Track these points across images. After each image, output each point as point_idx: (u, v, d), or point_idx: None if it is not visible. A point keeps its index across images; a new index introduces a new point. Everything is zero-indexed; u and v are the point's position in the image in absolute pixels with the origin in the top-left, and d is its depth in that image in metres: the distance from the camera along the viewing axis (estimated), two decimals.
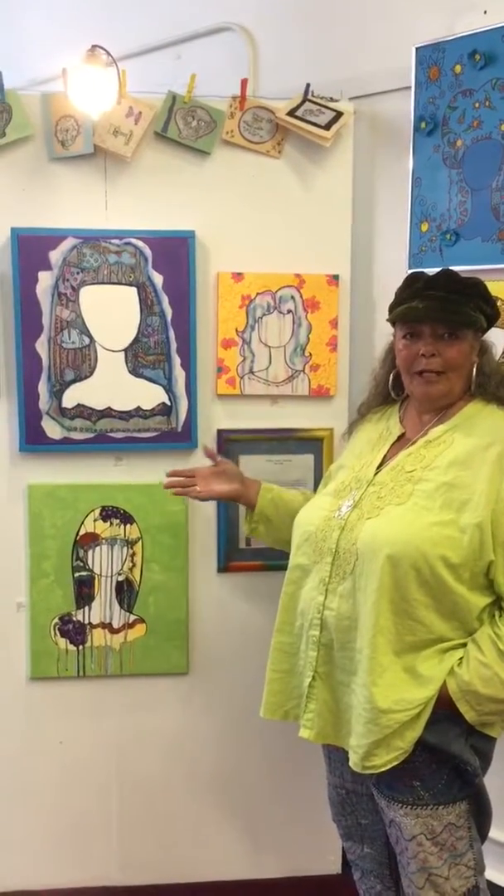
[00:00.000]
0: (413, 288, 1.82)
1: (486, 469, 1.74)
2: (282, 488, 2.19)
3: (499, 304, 2.15)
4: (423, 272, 1.85)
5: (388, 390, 1.98)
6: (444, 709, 1.73)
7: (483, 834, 1.87)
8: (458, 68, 2.24)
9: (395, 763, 1.73)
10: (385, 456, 1.91)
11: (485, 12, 2.18)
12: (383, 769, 1.74)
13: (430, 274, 1.83)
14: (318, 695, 1.85)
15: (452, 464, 1.78)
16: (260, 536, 2.19)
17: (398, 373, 1.93)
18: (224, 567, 2.48)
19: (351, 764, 1.79)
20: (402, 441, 1.92)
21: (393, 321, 1.88)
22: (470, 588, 1.74)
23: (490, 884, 1.92)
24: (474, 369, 1.85)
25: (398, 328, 1.87)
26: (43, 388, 2.34)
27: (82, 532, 2.41)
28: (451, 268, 1.85)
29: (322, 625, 1.83)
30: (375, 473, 1.88)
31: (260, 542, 2.25)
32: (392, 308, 1.88)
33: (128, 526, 2.42)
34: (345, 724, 1.82)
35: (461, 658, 1.75)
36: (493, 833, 1.94)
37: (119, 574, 2.44)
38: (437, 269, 1.84)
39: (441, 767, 1.77)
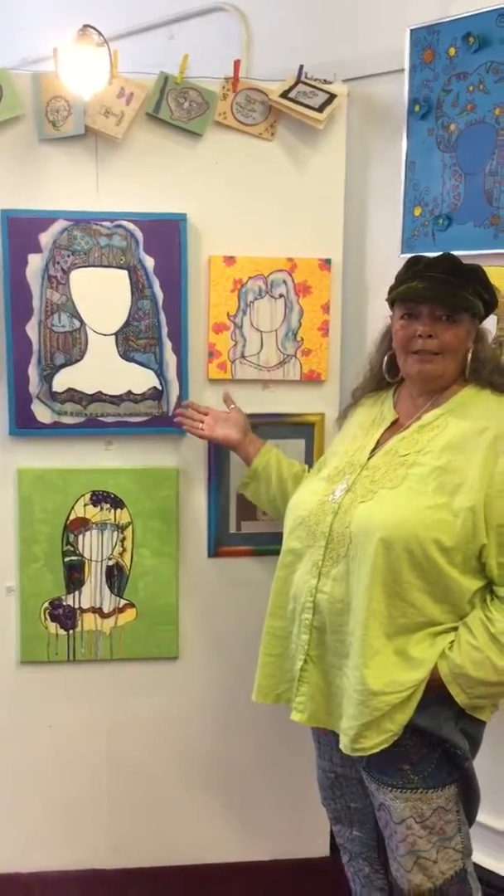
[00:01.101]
0: (414, 269, 1.83)
1: (480, 453, 1.75)
2: (283, 455, 2.25)
3: None
4: (423, 255, 1.85)
5: (383, 373, 1.98)
6: (435, 692, 1.74)
7: (471, 818, 1.89)
8: (452, 51, 2.22)
9: (384, 746, 1.74)
10: (378, 440, 1.92)
11: None
12: (373, 751, 1.75)
13: (432, 256, 1.83)
14: (309, 678, 1.86)
15: (446, 448, 1.78)
16: (250, 494, 2.27)
17: (393, 356, 1.93)
18: (214, 552, 2.48)
19: (341, 746, 1.80)
20: (395, 426, 1.93)
21: (392, 301, 1.88)
22: (462, 571, 1.75)
23: (476, 866, 1.93)
24: (469, 355, 1.85)
25: (397, 308, 1.88)
26: (33, 371, 2.33)
27: (72, 516, 2.41)
28: (452, 253, 1.85)
29: (315, 608, 1.83)
30: (369, 458, 1.88)
31: (253, 501, 2.31)
32: (392, 289, 1.88)
33: (118, 510, 2.42)
34: (336, 707, 1.83)
35: (452, 641, 1.76)
36: (481, 816, 1.95)
37: (109, 559, 2.44)
38: (438, 253, 1.84)
39: (431, 751, 1.78)
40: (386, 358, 1.96)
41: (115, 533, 2.43)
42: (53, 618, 2.43)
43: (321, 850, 2.62)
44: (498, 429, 1.77)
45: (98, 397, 2.36)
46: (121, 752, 2.54)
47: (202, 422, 2.27)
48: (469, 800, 1.85)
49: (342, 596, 1.79)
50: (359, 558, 1.76)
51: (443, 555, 1.73)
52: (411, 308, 1.83)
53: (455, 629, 1.78)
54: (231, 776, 2.59)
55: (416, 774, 1.78)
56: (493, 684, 1.75)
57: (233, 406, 2.31)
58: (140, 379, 2.37)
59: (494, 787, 2.08)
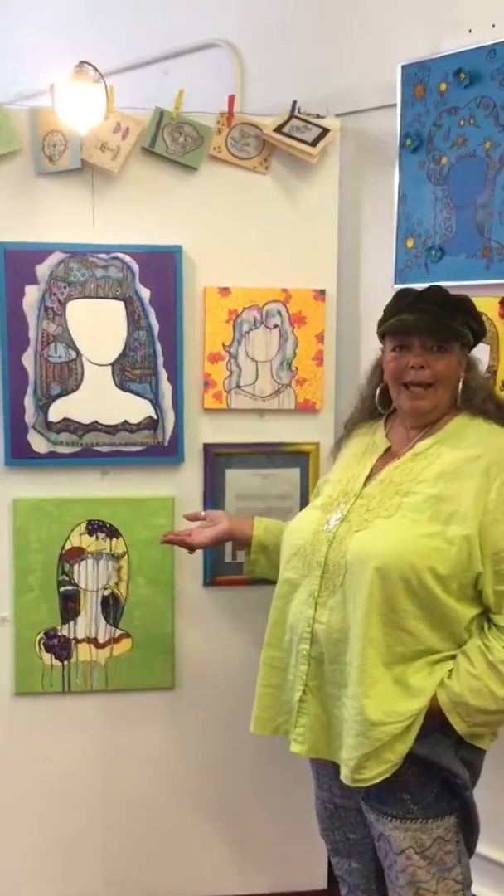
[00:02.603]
0: (403, 302, 1.85)
1: (474, 481, 1.76)
2: (273, 519, 2.18)
3: (483, 319, 2.17)
4: (412, 288, 1.87)
5: (375, 405, 2.00)
6: (434, 721, 1.74)
7: (470, 848, 1.87)
8: (443, 86, 2.26)
9: (385, 776, 1.74)
10: (372, 469, 1.92)
11: (469, 31, 2.21)
12: (374, 782, 1.74)
13: (420, 289, 1.85)
14: (308, 709, 1.85)
15: (440, 476, 1.79)
16: (261, 569, 2.15)
17: (385, 387, 1.94)
18: (210, 581, 2.48)
19: (342, 777, 1.79)
20: (388, 454, 1.93)
21: (383, 334, 1.90)
22: (458, 599, 1.75)
23: None
24: (460, 384, 1.86)
25: (388, 341, 1.89)
26: (29, 401, 2.34)
27: (68, 546, 2.40)
28: (440, 284, 1.87)
29: (312, 638, 1.83)
30: (363, 487, 1.89)
31: (262, 577, 2.16)
32: (381, 322, 1.89)
33: (114, 540, 2.42)
34: (336, 737, 1.82)
35: (451, 670, 1.76)
36: (480, 848, 1.94)
37: (105, 588, 2.43)
38: (426, 285, 1.86)
39: (431, 780, 1.77)
40: (378, 390, 1.98)
41: (111, 562, 2.43)
42: (48, 648, 2.42)
43: (320, 882, 2.60)
44: (491, 456, 1.78)
45: (94, 427, 2.37)
46: (117, 783, 2.52)
47: (190, 535, 2.17)
48: (469, 830, 1.84)
49: (339, 626, 1.79)
50: (355, 588, 1.76)
51: (438, 583, 1.73)
52: (402, 340, 1.85)
53: (453, 657, 1.77)
54: (228, 807, 2.57)
55: (415, 804, 1.77)
56: (493, 713, 1.74)
57: (203, 513, 2.24)
58: (136, 409, 2.38)
59: (494, 818, 2.06)
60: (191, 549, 2.19)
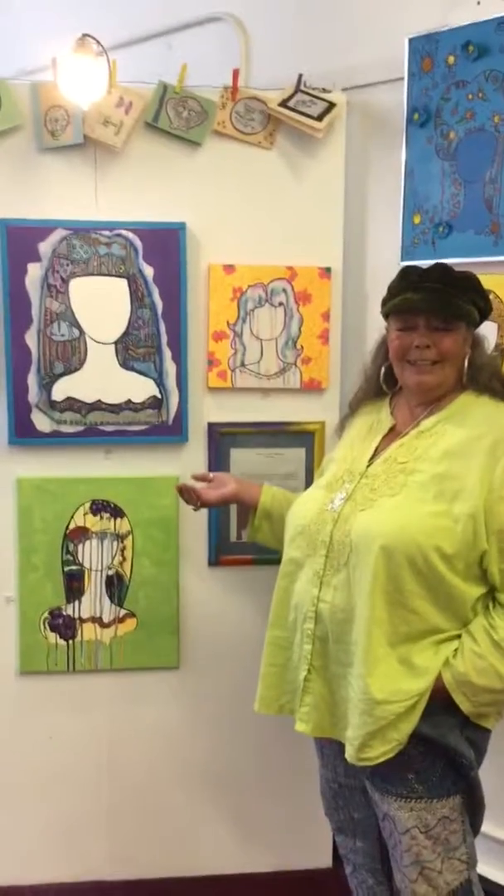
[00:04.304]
0: (408, 280, 1.82)
1: (479, 459, 1.74)
2: (283, 490, 2.19)
3: (491, 296, 2.15)
4: (416, 266, 1.85)
5: (380, 384, 1.98)
6: (439, 700, 1.73)
7: (475, 828, 1.87)
8: (451, 59, 2.22)
9: (390, 755, 1.73)
10: (377, 448, 1.91)
11: (478, 3, 2.17)
12: (378, 761, 1.74)
13: (425, 267, 1.83)
14: (313, 688, 1.85)
15: (445, 454, 1.78)
16: (263, 536, 2.17)
17: (390, 366, 1.93)
18: (215, 561, 2.47)
19: (346, 756, 1.79)
20: (393, 433, 1.92)
21: (387, 313, 1.88)
22: (464, 578, 1.75)
23: (481, 878, 1.92)
24: (466, 361, 1.84)
25: (392, 320, 1.87)
26: (32, 380, 2.32)
27: (72, 526, 2.40)
28: (444, 261, 1.85)
29: (317, 618, 1.82)
30: (368, 465, 1.88)
31: (265, 545, 2.20)
32: (385, 301, 1.87)
33: (118, 520, 2.41)
34: (342, 716, 1.82)
35: (456, 649, 1.75)
36: (485, 827, 1.94)
37: (109, 568, 2.43)
38: (431, 263, 1.84)
39: (436, 760, 1.77)
40: (383, 369, 1.96)
41: (115, 542, 2.42)
42: (53, 628, 2.42)
43: (324, 861, 2.61)
44: (496, 434, 1.77)
45: (97, 406, 2.35)
46: (121, 762, 2.52)
47: (198, 497, 2.17)
48: (474, 810, 1.84)
49: (344, 605, 1.78)
50: (360, 567, 1.75)
51: (444, 562, 1.72)
52: (407, 319, 1.83)
53: (458, 637, 1.77)
54: (233, 787, 2.57)
55: (420, 784, 1.77)
56: (498, 691, 1.74)
57: (212, 474, 2.24)
58: (139, 388, 2.36)
59: (499, 797, 2.06)
60: (196, 505, 2.17)
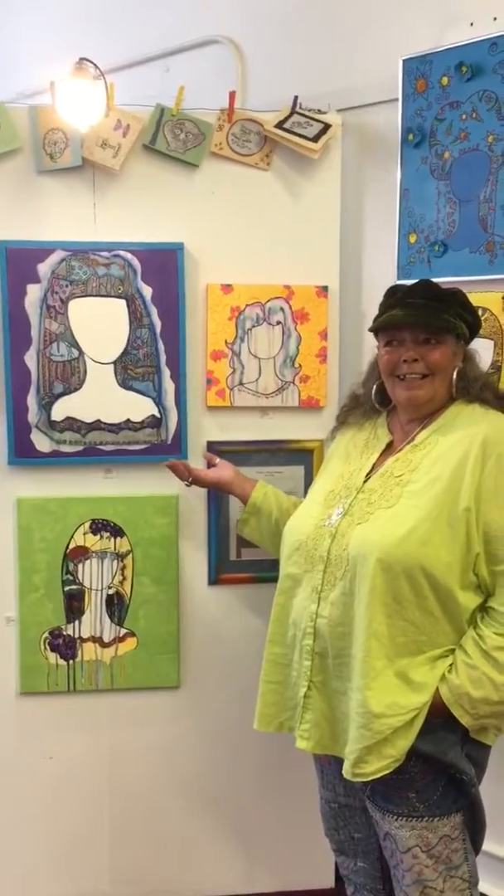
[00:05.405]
0: (394, 298, 1.87)
1: (468, 460, 1.76)
2: (278, 490, 2.25)
3: (487, 314, 2.17)
4: (402, 284, 1.88)
5: (373, 403, 2.00)
6: (439, 717, 1.73)
7: (477, 846, 1.86)
8: (445, 80, 2.25)
9: (385, 772, 1.73)
10: (374, 464, 1.92)
11: (471, 24, 2.20)
12: (373, 777, 1.73)
13: (410, 284, 1.86)
14: (313, 705, 1.85)
15: (436, 461, 1.80)
16: (250, 530, 2.24)
17: (382, 385, 1.94)
18: (215, 580, 2.47)
19: (343, 771, 1.79)
20: (390, 449, 1.94)
21: (375, 330, 1.90)
22: (462, 587, 1.75)
23: None
24: (455, 374, 1.86)
25: (381, 337, 1.90)
26: (32, 400, 2.33)
27: (72, 545, 2.40)
28: (430, 279, 1.88)
29: (315, 633, 1.83)
30: (365, 481, 1.88)
31: (250, 540, 2.29)
32: (374, 319, 1.90)
33: (118, 539, 2.41)
34: (342, 733, 1.82)
35: (451, 664, 1.75)
36: (487, 845, 1.93)
37: (109, 587, 2.43)
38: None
39: (437, 778, 1.77)
40: (375, 387, 1.98)
41: (115, 561, 2.42)
42: (53, 648, 2.42)
43: (326, 881, 2.59)
44: (484, 434, 1.78)
45: (97, 426, 2.36)
46: (122, 782, 2.51)
47: (191, 473, 2.26)
48: (475, 827, 1.84)
49: (342, 619, 1.78)
50: (358, 580, 1.76)
51: (442, 571, 1.73)
52: (394, 335, 1.86)
53: (454, 652, 1.77)
54: (234, 806, 2.56)
55: (421, 802, 1.76)
56: (495, 703, 1.73)
57: (218, 460, 2.33)
58: (139, 407, 2.37)
59: (500, 815, 2.05)
60: (189, 481, 2.26)
